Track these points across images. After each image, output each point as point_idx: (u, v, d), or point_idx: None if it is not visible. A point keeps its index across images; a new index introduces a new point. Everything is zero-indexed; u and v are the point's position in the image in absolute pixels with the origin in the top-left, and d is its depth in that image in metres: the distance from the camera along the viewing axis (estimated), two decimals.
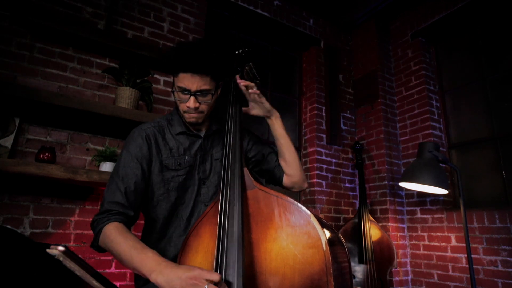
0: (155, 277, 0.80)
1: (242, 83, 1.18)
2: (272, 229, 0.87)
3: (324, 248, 0.78)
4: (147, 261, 0.84)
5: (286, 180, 1.29)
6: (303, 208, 0.85)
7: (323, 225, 0.85)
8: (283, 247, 0.84)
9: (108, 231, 0.96)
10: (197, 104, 1.10)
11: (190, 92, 1.09)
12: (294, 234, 0.84)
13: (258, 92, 1.19)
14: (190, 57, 1.05)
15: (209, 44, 1.11)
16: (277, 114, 1.25)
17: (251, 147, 1.31)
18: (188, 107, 1.10)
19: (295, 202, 0.87)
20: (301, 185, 1.29)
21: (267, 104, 1.22)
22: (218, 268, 0.82)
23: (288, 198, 0.89)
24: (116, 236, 0.93)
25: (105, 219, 0.99)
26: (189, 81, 1.07)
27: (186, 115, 1.15)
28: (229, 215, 0.89)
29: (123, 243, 0.91)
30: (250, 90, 1.18)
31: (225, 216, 0.89)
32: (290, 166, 1.26)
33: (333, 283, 0.76)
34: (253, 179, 0.98)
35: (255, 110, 1.24)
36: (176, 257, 1.03)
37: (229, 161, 1.02)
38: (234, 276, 0.79)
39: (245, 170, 1.01)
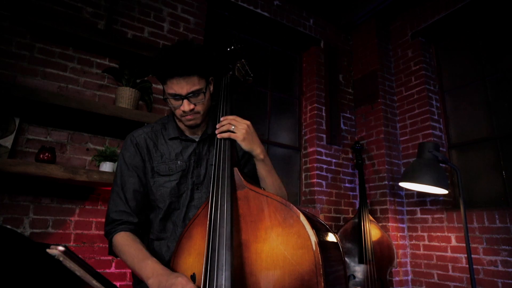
0: (151, 283, 0.88)
1: (218, 133, 1.09)
2: (262, 229, 0.86)
3: (314, 248, 0.77)
4: (146, 269, 0.92)
5: None
6: (293, 207, 0.84)
7: (315, 225, 0.83)
8: (273, 247, 0.82)
9: (116, 242, 1.05)
10: (192, 106, 1.10)
11: (181, 96, 1.08)
12: (283, 234, 0.82)
13: (225, 136, 1.07)
14: (171, 62, 1.04)
15: (185, 45, 1.08)
16: (261, 156, 1.11)
17: (240, 148, 1.30)
18: (183, 111, 1.10)
19: (286, 202, 0.86)
20: None
21: (244, 144, 1.07)
22: (208, 270, 0.81)
23: (279, 198, 0.87)
24: (122, 246, 1.02)
25: (113, 230, 1.07)
26: (178, 86, 1.07)
27: (183, 119, 1.14)
28: (219, 216, 0.88)
29: (128, 253, 1.00)
30: (219, 135, 1.09)
31: (215, 217, 0.88)
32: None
33: (323, 284, 0.74)
34: (243, 179, 0.96)
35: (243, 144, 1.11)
36: (170, 260, 1.04)
37: (219, 160, 1.01)
38: (223, 278, 0.79)
39: (235, 170, 0.99)
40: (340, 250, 0.91)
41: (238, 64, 1.27)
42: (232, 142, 1.09)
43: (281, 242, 0.82)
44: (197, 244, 0.95)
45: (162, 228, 1.16)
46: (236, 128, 1.07)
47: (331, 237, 0.90)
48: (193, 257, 0.94)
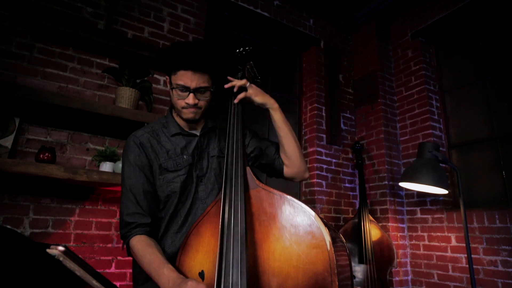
0: None
1: (229, 85, 1.19)
2: (276, 228, 0.86)
3: (329, 248, 0.78)
4: (162, 278, 0.92)
5: (286, 171, 1.29)
6: (307, 207, 0.85)
7: (327, 225, 0.84)
8: (287, 247, 0.83)
9: (132, 246, 1.05)
10: (196, 101, 1.12)
11: (189, 89, 1.11)
12: (297, 234, 0.83)
13: (242, 96, 1.18)
14: (192, 55, 1.08)
15: (205, 43, 1.14)
16: (275, 106, 1.23)
17: (248, 142, 1.31)
18: (187, 103, 1.12)
19: (299, 202, 0.87)
20: (302, 175, 1.30)
21: (258, 99, 1.21)
22: (221, 268, 0.82)
23: (292, 197, 0.88)
24: (138, 251, 1.03)
25: (128, 234, 1.07)
26: (189, 78, 1.09)
27: (184, 110, 1.16)
28: (233, 214, 0.89)
29: (143, 258, 1.00)
30: (236, 99, 1.18)
31: (229, 215, 0.89)
32: (290, 157, 1.26)
33: (337, 283, 0.75)
34: (255, 178, 0.97)
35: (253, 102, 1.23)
36: (175, 254, 1.04)
37: (232, 160, 1.02)
38: (238, 276, 0.79)
39: (248, 169, 1.00)
40: (347, 249, 0.92)
41: (247, 66, 1.29)
42: (244, 140, 1.11)
43: (294, 241, 0.83)
44: (206, 242, 0.95)
45: (169, 223, 1.16)
46: (248, 87, 1.19)
47: (340, 238, 0.92)
48: (201, 254, 0.94)
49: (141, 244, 1.04)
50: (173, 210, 1.16)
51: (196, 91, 1.11)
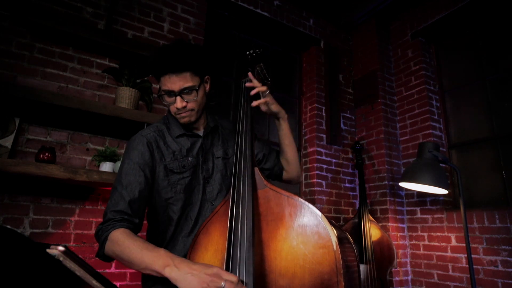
0: (169, 272, 0.79)
1: (250, 85, 1.23)
2: (283, 228, 0.87)
3: (335, 248, 0.79)
4: (160, 258, 0.84)
5: (285, 175, 1.39)
6: (314, 208, 0.86)
7: (334, 225, 0.85)
8: (293, 246, 0.84)
9: (115, 237, 0.94)
10: (184, 103, 1.12)
11: (174, 93, 1.10)
12: (304, 234, 0.84)
13: (263, 101, 1.21)
14: (161, 59, 1.08)
15: (180, 42, 1.12)
16: (285, 116, 1.30)
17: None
18: (177, 108, 1.12)
19: (306, 202, 0.88)
20: (298, 179, 1.42)
21: (274, 107, 1.25)
22: (229, 267, 0.83)
23: (299, 198, 0.89)
24: (124, 240, 0.92)
25: (110, 227, 0.97)
26: (170, 82, 1.09)
27: (178, 116, 1.16)
28: (240, 213, 0.90)
29: (132, 245, 0.90)
30: (254, 102, 1.21)
31: (236, 215, 0.90)
32: (291, 163, 1.36)
33: (343, 283, 0.76)
34: (263, 179, 0.98)
35: (263, 107, 1.26)
36: (184, 257, 1.03)
37: (241, 160, 1.03)
38: (244, 275, 0.80)
39: (256, 169, 1.01)
40: (354, 249, 0.93)
41: (257, 68, 1.30)
42: (252, 141, 1.12)
43: (301, 241, 0.84)
44: (215, 241, 0.96)
45: (178, 226, 1.15)
46: (266, 95, 1.23)
47: (346, 237, 0.92)
48: (210, 253, 0.95)
49: (128, 234, 0.94)
50: (181, 213, 1.14)
51: (181, 93, 1.10)
